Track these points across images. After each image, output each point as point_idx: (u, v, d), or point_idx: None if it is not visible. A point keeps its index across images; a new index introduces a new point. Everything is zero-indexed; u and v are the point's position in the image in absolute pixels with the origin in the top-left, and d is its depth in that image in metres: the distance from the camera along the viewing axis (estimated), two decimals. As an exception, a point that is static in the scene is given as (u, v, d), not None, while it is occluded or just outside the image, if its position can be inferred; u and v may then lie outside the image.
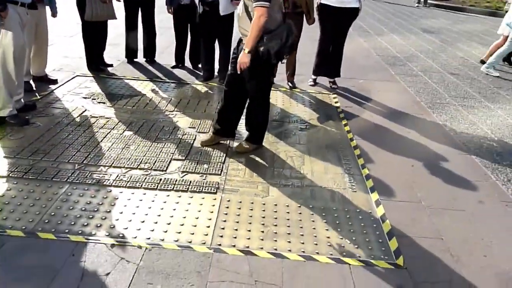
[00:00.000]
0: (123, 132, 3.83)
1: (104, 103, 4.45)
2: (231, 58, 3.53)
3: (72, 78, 5.11)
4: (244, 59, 3.12)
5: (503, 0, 16.58)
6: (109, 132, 3.79)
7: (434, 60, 7.40)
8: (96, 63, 5.45)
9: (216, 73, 5.46)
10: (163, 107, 4.44)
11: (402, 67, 6.73)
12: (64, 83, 4.94)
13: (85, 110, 4.23)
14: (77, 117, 4.06)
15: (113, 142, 3.62)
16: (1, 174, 3.03)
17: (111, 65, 5.64)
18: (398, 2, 15.96)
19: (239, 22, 3.28)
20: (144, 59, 5.99)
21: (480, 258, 2.55)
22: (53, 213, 2.65)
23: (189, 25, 5.56)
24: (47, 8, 4.56)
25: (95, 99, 4.54)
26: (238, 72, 3.24)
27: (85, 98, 4.55)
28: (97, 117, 4.10)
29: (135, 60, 5.95)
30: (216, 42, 5.27)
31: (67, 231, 2.50)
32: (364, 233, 2.70)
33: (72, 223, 2.58)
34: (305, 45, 5.91)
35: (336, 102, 4.95)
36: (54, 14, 4.70)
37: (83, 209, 2.72)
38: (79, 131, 3.77)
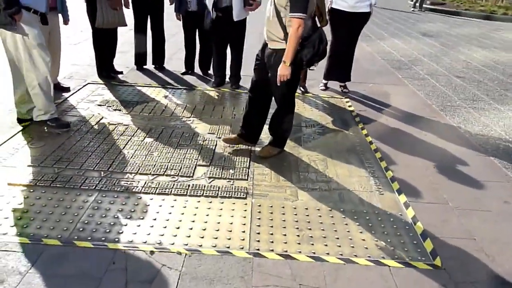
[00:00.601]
0: (144, 139, 3.82)
1: (120, 110, 4.44)
2: (255, 63, 3.54)
3: (84, 86, 5.09)
4: (285, 71, 3.10)
5: (496, 4, 16.82)
6: (130, 139, 3.78)
7: (438, 63, 7.47)
8: (106, 70, 5.44)
9: (227, 79, 5.46)
10: (180, 113, 4.44)
11: (408, 71, 6.79)
12: (77, 91, 4.92)
13: (102, 117, 4.22)
14: (95, 124, 4.05)
15: (135, 149, 3.61)
16: (28, 183, 3.00)
17: (121, 72, 5.63)
18: (394, 8, 16.10)
19: (268, 26, 3.28)
20: (153, 66, 5.98)
21: (515, 258, 2.57)
22: (86, 221, 2.63)
23: (197, 31, 5.57)
24: (59, 16, 4.54)
25: (110, 106, 4.52)
26: (278, 84, 3.23)
27: (100, 105, 4.54)
28: (115, 124, 4.08)
29: (144, 67, 5.94)
30: (228, 47, 5.28)
31: (103, 239, 2.49)
32: (398, 235, 2.71)
33: (107, 230, 2.56)
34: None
35: (349, 106, 4.98)
36: (66, 21, 4.67)
37: (116, 216, 2.71)
38: (99, 139, 3.75)
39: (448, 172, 3.58)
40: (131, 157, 3.47)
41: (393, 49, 8.50)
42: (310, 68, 3.39)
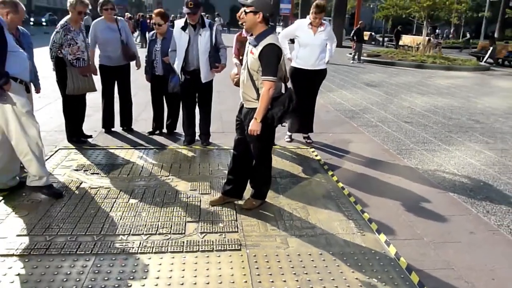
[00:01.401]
0: (128, 200, 3.89)
1: (97, 173, 4.49)
2: (236, 123, 3.80)
3: (55, 152, 5.09)
4: (256, 127, 3.38)
5: (425, 54, 18.53)
6: (115, 202, 3.84)
7: (386, 111, 8.14)
8: (76, 135, 5.49)
9: (197, 137, 5.67)
10: (158, 173, 4.56)
11: (361, 119, 7.34)
12: (50, 157, 4.91)
13: (82, 182, 4.25)
14: (76, 189, 4.08)
15: (122, 211, 3.68)
16: (21, 253, 2.98)
17: (90, 136, 5.69)
18: (335, 62, 17.29)
19: (244, 88, 3.58)
20: (121, 128, 6.09)
21: (490, 282, 2.88)
22: (90, 286, 2.66)
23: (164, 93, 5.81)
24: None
25: (87, 170, 4.56)
26: (248, 139, 3.50)
27: (76, 170, 4.57)
28: (96, 187, 4.13)
29: (112, 129, 6.04)
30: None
31: (111, 301, 2.53)
32: (386, 271, 2.96)
33: (115, 293, 2.60)
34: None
35: (316, 156, 5.32)
36: (38, 90, 4.76)
37: (119, 278, 2.76)
38: (84, 203, 3.79)
39: (417, 209, 3.93)
40: (120, 219, 3.53)
41: (342, 99, 9.14)
42: (282, 124, 3.71)
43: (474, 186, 4.55)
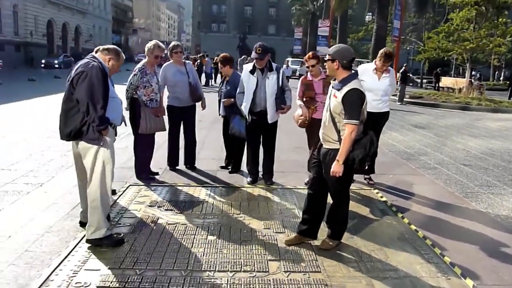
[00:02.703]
0: (207, 236, 3.99)
1: (171, 210, 4.64)
2: (312, 161, 3.90)
3: (127, 188, 5.30)
4: (338, 169, 3.47)
5: (469, 96, 18.33)
6: (194, 238, 3.95)
7: (441, 153, 8.06)
8: (145, 172, 5.71)
9: (260, 176, 5.78)
10: (229, 211, 4.66)
11: (417, 161, 7.30)
12: (122, 192, 5.12)
13: (158, 218, 4.40)
14: (154, 225, 4.22)
15: (203, 247, 3.77)
16: (117, 286, 3.10)
17: (157, 173, 5.90)
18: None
19: (324, 129, 3.70)
20: (185, 166, 6.29)
21: None
22: (189, 320, 2.72)
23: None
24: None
25: (161, 207, 4.72)
26: (327, 178, 3.59)
27: (151, 206, 4.73)
28: (173, 223, 4.26)
29: (176, 167, 6.24)
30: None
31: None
32: (481, 317, 2.89)
33: (213, 328, 2.65)
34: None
35: (381, 197, 5.31)
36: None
37: (215, 314, 2.81)
38: (165, 239, 3.91)
39: (498, 255, 3.84)
40: (203, 255, 3.62)
41: (394, 141, 9.12)
42: (364, 167, 3.77)
43: (553, 232, 4.41)
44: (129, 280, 3.17)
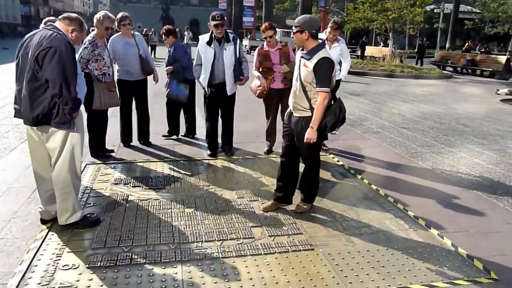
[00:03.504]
0: (184, 209, 4.00)
1: (139, 186, 4.55)
2: (283, 130, 4.01)
3: (84, 168, 5.09)
4: (312, 135, 3.60)
5: (393, 64, 19.43)
6: (171, 212, 3.94)
7: (380, 118, 8.58)
8: (101, 150, 5.51)
9: (219, 147, 5.82)
10: (198, 183, 4.68)
11: (361, 127, 7.73)
12: (81, 173, 4.90)
13: (128, 195, 4.31)
14: (127, 202, 4.13)
15: (184, 219, 3.79)
16: (108, 265, 3.04)
17: (112, 151, 5.71)
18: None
19: (295, 98, 3.81)
20: (139, 142, 6.14)
21: (543, 264, 3.23)
22: (191, 290, 2.78)
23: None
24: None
25: (127, 184, 4.62)
26: (298, 145, 3.73)
27: (116, 184, 4.61)
28: (146, 199, 4.21)
29: (131, 144, 6.07)
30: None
31: (220, 302, 2.66)
32: (451, 260, 3.26)
33: (218, 294, 2.73)
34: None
35: (338, 161, 5.60)
36: None
37: (215, 282, 2.89)
38: (142, 215, 3.86)
39: (452, 206, 4.27)
40: (186, 227, 3.64)
41: (336, 108, 9.51)
42: (332, 132, 3.96)
43: (490, 183, 4.98)
44: (119, 258, 3.13)
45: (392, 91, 12.79)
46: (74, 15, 3.51)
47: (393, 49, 22.97)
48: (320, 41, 3.83)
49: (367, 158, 5.79)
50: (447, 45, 34.92)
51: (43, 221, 3.63)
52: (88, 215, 3.66)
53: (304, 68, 3.71)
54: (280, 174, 4.07)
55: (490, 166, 5.61)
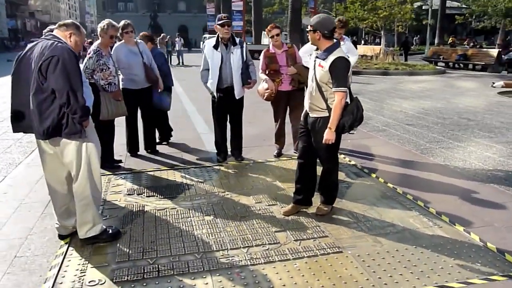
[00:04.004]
0: (204, 217, 3.93)
1: (154, 196, 4.47)
2: (300, 131, 3.96)
3: (94, 179, 4.98)
4: (331, 136, 3.56)
5: (385, 62, 19.50)
6: (191, 220, 3.87)
7: (383, 116, 8.56)
8: (109, 161, 5.41)
9: (229, 152, 5.75)
10: (213, 190, 4.60)
11: (367, 125, 7.70)
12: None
13: (144, 205, 4.22)
14: (144, 213, 4.05)
15: (205, 228, 3.71)
16: (135, 278, 2.96)
17: (120, 161, 5.62)
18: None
19: (312, 99, 3.76)
20: (146, 151, 6.06)
21: None
22: (225, 300, 2.70)
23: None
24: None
25: (140, 194, 4.53)
26: (316, 147, 3.68)
27: (129, 194, 4.52)
28: (163, 209, 4.12)
29: (138, 153, 5.98)
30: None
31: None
32: (481, 256, 3.22)
33: (253, 303, 2.66)
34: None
35: (349, 161, 5.56)
36: None
37: (248, 290, 2.81)
38: (162, 225, 3.78)
39: (472, 200, 4.24)
40: (209, 235, 3.57)
41: (337, 108, 9.48)
42: (350, 132, 3.90)
43: (505, 176, 4.96)
44: (146, 271, 3.05)
45: (390, 89, 12.80)
46: (69, 20, 3.46)
47: (384, 47, 23.10)
48: (335, 40, 3.80)
49: (378, 157, 5.75)
50: (436, 41, 35.15)
51: (61, 237, 3.53)
52: (107, 229, 3.56)
53: (319, 68, 3.67)
54: (298, 176, 4.01)
55: (502, 159, 5.60)
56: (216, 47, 5.24)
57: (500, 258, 3.17)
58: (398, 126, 7.59)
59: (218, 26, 5.09)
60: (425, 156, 5.76)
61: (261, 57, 5.58)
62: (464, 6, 38.75)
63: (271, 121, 5.86)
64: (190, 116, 8.91)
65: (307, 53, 5.97)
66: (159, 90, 6.01)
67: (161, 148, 6.17)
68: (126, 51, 5.63)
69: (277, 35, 5.31)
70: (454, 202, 4.20)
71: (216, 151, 5.75)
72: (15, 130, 3.32)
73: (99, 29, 5.07)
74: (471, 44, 32.60)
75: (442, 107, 9.66)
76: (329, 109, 3.66)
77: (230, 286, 2.86)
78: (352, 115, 3.65)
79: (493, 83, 13.58)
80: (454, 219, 3.81)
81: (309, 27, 3.71)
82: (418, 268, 3.05)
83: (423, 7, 33.24)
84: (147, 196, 4.46)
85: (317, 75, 3.69)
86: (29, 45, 3.27)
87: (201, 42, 41.39)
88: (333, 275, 2.97)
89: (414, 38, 35.23)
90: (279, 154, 5.85)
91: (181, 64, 24.42)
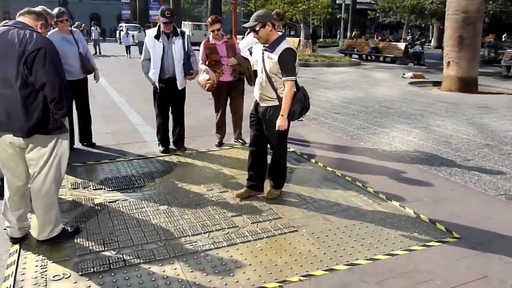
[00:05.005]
0: (158, 207, 3.96)
1: (100, 189, 4.39)
2: (250, 120, 4.13)
3: (32, 175, 4.76)
4: (283, 122, 3.77)
5: (304, 53, 20.29)
6: (145, 210, 3.88)
7: (312, 105, 8.94)
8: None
9: (171, 143, 5.77)
10: (161, 181, 4.62)
11: (298, 114, 8.07)
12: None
13: (93, 198, 4.14)
14: (95, 206, 3.98)
15: (162, 217, 3.76)
16: (101, 269, 2.96)
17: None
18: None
19: (262, 90, 3.94)
20: (81, 144, 5.87)
21: (488, 221, 3.75)
22: (198, 283, 2.82)
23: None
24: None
25: (86, 187, 4.43)
26: (268, 133, 3.88)
27: (74, 188, 4.40)
28: (113, 201, 4.08)
29: (74, 146, 5.77)
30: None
31: (230, 289, 2.74)
32: (418, 226, 3.64)
33: (236, 281, 2.81)
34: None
35: (289, 148, 5.83)
36: None
37: (217, 271, 2.95)
38: (117, 216, 3.76)
39: (402, 179, 4.73)
40: (168, 223, 3.63)
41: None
42: (299, 119, 4.15)
43: (426, 157, 5.56)
44: (111, 261, 3.05)
45: (312, 80, 13.43)
46: (38, 9, 3.29)
47: (304, 39, 23.97)
48: (280, 33, 4.01)
49: (313, 143, 6.11)
50: (348, 34, 37.10)
51: (15, 240, 3.28)
52: (65, 226, 3.45)
53: (268, 60, 3.85)
54: (250, 163, 4.19)
55: (421, 142, 6.24)
56: (157, 37, 5.21)
57: (432, 227, 3.62)
58: (327, 115, 8.07)
59: (162, 22, 5.07)
60: (356, 141, 6.24)
61: (201, 47, 5.64)
62: (373, 1, 41.28)
63: (206, 111, 5.98)
64: (121, 107, 8.68)
65: (246, 47, 6.14)
66: (96, 82, 5.83)
67: (98, 141, 5.99)
68: (60, 39, 5.37)
69: (218, 29, 5.40)
70: (387, 182, 4.65)
71: (157, 141, 5.73)
72: None
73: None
74: (379, 37, 35.00)
75: (362, 97, 10.39)
76: (279, 98, 3.86)
77: (199, 270, 2.97)
78: (301, 103, 3.88)
79: (404, 74, 14.79)
80: (390, 196, 4.23)
81: (256, 25, 3.77)
82: (367, 241, 3.38)
83: (337, 1, 34.86)
84: (94, 189, 4.37)
85: (267, 66, 3.86)
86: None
87: (117, 32, 39.77)
88: (293, 252, 3.20)
89: (317, 30, 36.70)
90: (220, 144, 5.98)
91: (98, 54, 23.32)
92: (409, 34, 39.26)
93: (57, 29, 5.40)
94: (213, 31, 5.45)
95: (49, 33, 5.38)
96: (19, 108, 2.86)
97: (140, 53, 21.06)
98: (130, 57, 21.44)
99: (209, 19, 5.49)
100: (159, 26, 5.20)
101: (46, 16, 3.26)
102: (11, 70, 2.83)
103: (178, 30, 5.34)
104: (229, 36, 5.70)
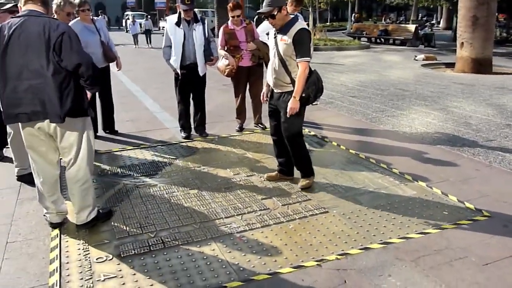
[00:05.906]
0: (188, 191, 4.03)
1: (130, 175, 4.47)
2: (268, 110, 4.12)
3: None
4: (295, 104, 3.71)
5: (315, 38, 20.15)
6: (177, 194, 3.96)
7: (327, 89, 8.95)
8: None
9: (193, 129, 5.82)
10: (189, 166, 4.68)
11: (314, 98, 8.08)
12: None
13: (124, 184, 4.22)
14: (126, 191, 4.06)
15: (193, 200, 3.83)
16: (142, 251, 3.04)
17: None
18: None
19: (275, 74, 3.87)
20: (104, 132, 5.94)
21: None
22: (237, 263, 2.89)
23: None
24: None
25: (115, 174, 4.51)
26: (288, 116, 3.82)
27: (103, 175, 4.48)
28: (144, 186, 4.16)
29: (97, 134, 5.84)
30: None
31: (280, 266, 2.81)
32: (447, 205, 3.68)
33: (264, 263, 2.88)
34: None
35: (309, 132, 5.88)
36: None
37: (254, 252, 3.02)
38: (150, 201, 3.83)
39: (426, 160, 4.75)
40: (200, 206, 3.70)
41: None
42: (314, 103, 4.14)
43: (448, 138, 5.57)
44: (150, 244, 3.12)
45: (324, 64, 13.37)
46: None
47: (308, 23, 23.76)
48: (292, 16, 3.97)
49: (333, 127, 6.14)
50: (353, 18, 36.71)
51: (54, 225, 3.36)
52: (98, 209, 3.54)
53: (282, 42, 3.77)
54: (277, 151, 4.21)
55: (441, 123, 6.25)
56: (178, 24, 5.23)
57: (462, 207, 3.65)
58: (343, 98, 8.07)
59: (182, 10, 5.09)
60: (375, 124, 6.26)
61: (220, 33, 5.66)
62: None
63: (222, 97, 6.00)
64: (137, 96, 8.74)
65: (264, 32, 6.14)
66: (118, 70, 5.88)
67: (120, 129, 6.06)
68: (82, 28, 5.41)
69: (238, 16, 5.40)
70: (411, 163, 4.68)
71: (179, 128, 5.79)
72: (11, 121, 3.13)
73: (54, 6, 4.82)
74: (387, 20, 34.62)
75: (376, 80, 10.35)
76: (293, 82, 3.77)
77: (237, 250, 3.04)
78: (315, 86, 3.82)
79: (415, 56, 14.68)
80: (416, 177, 4.27)
81: (272, 11, 3.68)
82: (398, 220, 3.43)
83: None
84: (122, 176, 4.45)
85: (280, 49, 3.78)
86: (7, 26, 2.94)
87: (124, 21, 39.63)
88: (327, 232, 3.26)
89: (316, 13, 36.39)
90: (241, 129, 6.02)
91: (106, 43, 23.26)
92: (424, 16, 38.76)
93: (78, 18, 5.42)
94: (233, 17, 5.45)
95: (71, 22, 5.43)
96: (54, 95, 2.93)
97: (147, 42, 20.98)
98: (137, 47, 21.39)
99: (230, 5, 5.49)
100: (179, 13, 5.22)
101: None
102: (40, 60, 2.90)
103: (198, 16, 5.35)
104: (247, 21, 5.70)
